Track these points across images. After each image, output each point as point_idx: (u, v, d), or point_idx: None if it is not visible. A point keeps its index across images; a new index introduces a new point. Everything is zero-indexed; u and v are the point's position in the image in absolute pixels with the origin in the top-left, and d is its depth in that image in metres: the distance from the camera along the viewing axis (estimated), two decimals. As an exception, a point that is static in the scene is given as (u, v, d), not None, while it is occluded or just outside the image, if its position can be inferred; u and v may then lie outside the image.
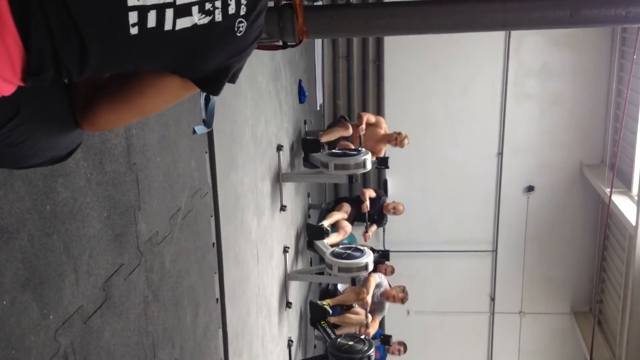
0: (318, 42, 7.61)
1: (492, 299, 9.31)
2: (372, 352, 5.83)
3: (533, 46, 8.23)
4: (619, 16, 2.90)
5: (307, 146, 5.98)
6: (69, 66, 0.93)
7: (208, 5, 1.01)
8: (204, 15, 1.01)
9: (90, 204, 2.11)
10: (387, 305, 6.71)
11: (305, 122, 6.66)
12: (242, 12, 1.06)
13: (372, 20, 3.28)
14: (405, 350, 7.18)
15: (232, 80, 1.17)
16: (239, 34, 1.06)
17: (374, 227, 7.24)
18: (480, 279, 9.24)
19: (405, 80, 8.42)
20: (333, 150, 5.64)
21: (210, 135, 3.44)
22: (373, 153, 6.37)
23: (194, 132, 3.20)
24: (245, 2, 1.06)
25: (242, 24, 1.06)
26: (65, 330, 1.94)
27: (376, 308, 6.55)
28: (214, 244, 3.51)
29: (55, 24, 0.88)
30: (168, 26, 0.98)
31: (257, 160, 4.58)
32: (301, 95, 6.29)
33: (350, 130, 6.39)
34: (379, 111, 8.38)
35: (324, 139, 6.04)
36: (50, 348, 1.86)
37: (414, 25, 3.28)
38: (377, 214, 7.23)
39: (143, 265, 2.53)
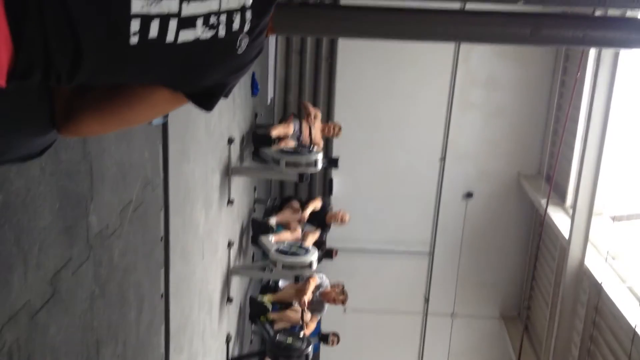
0: (272, 36, 7.54)
1: (427, 300, 9.51)
2: (309, 349, 5.86)
3: (481, 57, 8.43)
4: (577, 38, 2.99)
5: (257, 140, 5.91)
6: (60, 72, 0.86)
7: (213, 19, 0.95)
8: (207, 29, 0.95)
9: (43, 194, 2.01)
10: (327, 305, 6.73)
11: (256, 116, 6.59)
12: (246, 29, 1.01)
13: (338, 22, 3.25)
14: (338, 341, 7.29)
15: (226, 95, 1.12)
16: (239, 52, 1.01)
17: (317, 233, 7.14)
18: (416, 280, 9.42)
19: (356, 80, 8.46)
20: (284, 148, 5.60)
21: (165, 125, 3.34)
22: (317, 144, 6.49)
23: (150, 122, 3.11)
24: (250, 17, 1.01)
25: (245, 41, 1.01)
26: (11, 326, 1.84)
27: (315, 308, 6.56)
28: (162, 238, 3.42)
29: (51, 26, 0.81)
30: (170, 38, 0.92)
31: (208, 153, 4.50)
32: (254, 87, 6.22)
33: (291, 130, 6.40)
34: (329, 108, 8.40)
35: (274, 133, 6.01)
36: (-5, 345, 1.77)
37: (378, 31, 3.29)
38: (320, 223, 7.10)
39: (92, 259, 2.44)
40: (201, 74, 1.01)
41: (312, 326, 6.51)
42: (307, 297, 6.12)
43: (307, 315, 6.29)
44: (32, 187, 1.92)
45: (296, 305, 6.35)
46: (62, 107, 1.05)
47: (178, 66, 0.98)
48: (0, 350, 1.79)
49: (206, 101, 1.08)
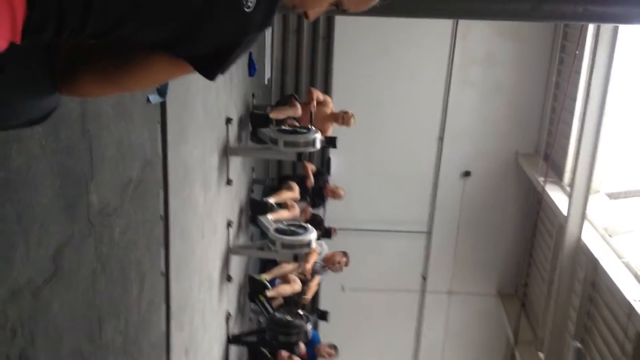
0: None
1: (424, 278, 9.57)
2: (309, 327, 5.91)
3: (479, 34, 8.39)
4: (577, 13, 2.97)
5: (255, 121, 5.90)
6: (72, 25, 0.87)
7: None
8: None
9: (44, 172, 2.01)
10: (328, 271, 6.86)
11: (253, 96, 6.57)
12: None
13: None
14: (336, 354, 6.68)
15: (225, 68, 1.10)
16: (247, 10, 1.01)
17: (309, 208, 7.18)
18: (413, 258, 9.48)
19: (353, 59, 8.43)
20: (283, 127, 5.58)
21: (163, 104, 3.33)
22: (321, 132, 6.44)
23: (148, 100, 3.10)
24: None
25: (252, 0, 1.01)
26: (14, 303, 1.85)
27: (317, 272, 6.68)
28: (161, 216, 3.42)
29: None
30: None
31: (206, 133, 4.49)
32: (251, 68, 6.18)
33: (299, 111, 6.37)
34: (326, 88, 8.37)
35: (273, 115, 5.98)
36: (-1, 321, 1.78)
37: (376, 7, 3.25)
38: (317, 195, 7.22)
39: (93, 236, 2.45)
40: (205, 28, 1.00)
41: (313, 287, 6.60)
42: (309, 265, 6.19)
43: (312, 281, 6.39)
44: (32, 164, 1.92)
45: (292, 276, 6.42)
46: (63, 66, 1.06)
47: (183, 17, 0.97)
48: (4, 326, 1.80)
49: (209, 67, 1.07)
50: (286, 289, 6.41)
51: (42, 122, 1.14)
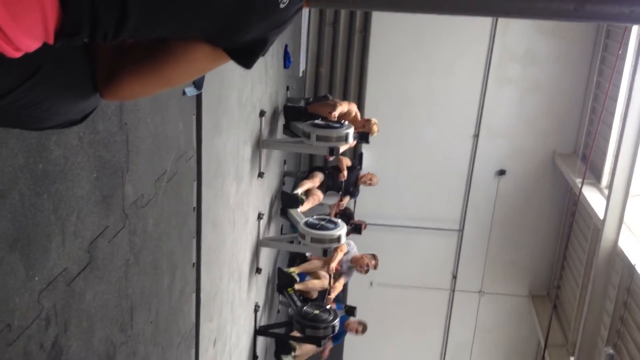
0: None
1: (454, 277, 9.49)
2: (336, 322, 5.91)
3: (519, 30, 8.22)
4: (622, 14, 2.87)
5: (289, 114, 5.90)
6: (106, 28, 0.87)
7: None
8: None
9: (81, 164, 2.04)
10: (355, 272, 6.81)
11: (287, 88, 6.57)
12: None
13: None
14: (364, 331, 6.98)
15: (264, 53, 1.12)
16: (282, 6, 1.02)
17: (347, 198, 7.22)
18: (444, 256, 9.39)
19: (389, 54, 8.35)
20: (316, 121, 5.58)
21: (199, 97, 3.35)
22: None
23: (184, 93, 3.12)
24: None
25: None
26: (49, 293, 1.89)
27: (343, 272, 6.65)
28: (194, 208, 3.46)
29: None
30: None
31: (240, 125, 4.51)
32: (286, 60, 6.18)
33: (337, 111, 6.21)
34: (361, 82, 8.32)
35: (312, 110, 5.98)
36: (34, 310, 1.82)
37: (414, 3, 3.21)
38: (352, 185, 7.24)
39: (127, 227, 2.48)
40: (243, 26, 1.01)
41: (338, 288, 6.58)
42: (334, 264, 6.19)
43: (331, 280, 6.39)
44: (70, 156, 1.95)
45: (322, 272, 6.42)
46: (104, 69, 1.06)
47: (221, 18, 0.98)
48: (39, 315, 1.84)
49: (246, 58, 1.08)
50: (315, 284, 6.44)
51: (80, 123, 1.15)
